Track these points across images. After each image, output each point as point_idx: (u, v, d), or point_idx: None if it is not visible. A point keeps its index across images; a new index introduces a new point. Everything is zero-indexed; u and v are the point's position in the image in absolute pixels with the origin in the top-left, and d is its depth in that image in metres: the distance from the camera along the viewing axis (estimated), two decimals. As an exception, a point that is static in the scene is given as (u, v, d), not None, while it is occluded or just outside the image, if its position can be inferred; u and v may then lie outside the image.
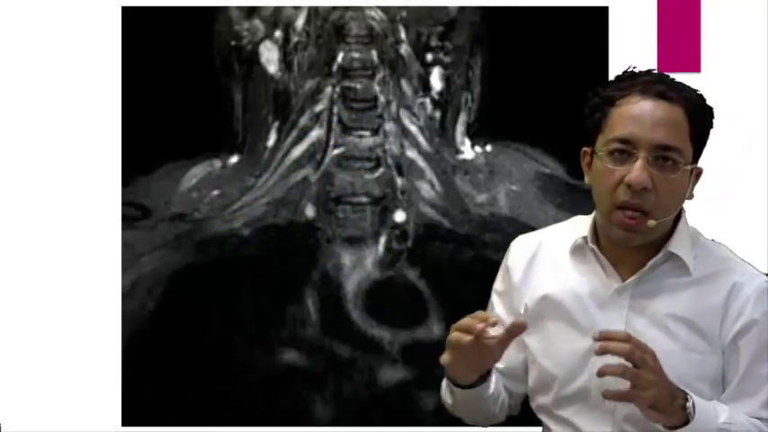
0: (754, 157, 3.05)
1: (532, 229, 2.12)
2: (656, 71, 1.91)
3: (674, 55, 3.03)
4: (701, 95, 1.89)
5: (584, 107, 1.92)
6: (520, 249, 2.04)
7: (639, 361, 1.71)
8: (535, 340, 1.98)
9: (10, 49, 3.06)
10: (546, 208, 3.07)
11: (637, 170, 1.82)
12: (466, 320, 1.81)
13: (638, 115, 1.84)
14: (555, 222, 2.10)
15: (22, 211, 3.05)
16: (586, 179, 1.93)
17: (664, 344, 1.85)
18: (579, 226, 1.99)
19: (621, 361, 1.72)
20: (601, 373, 1.73)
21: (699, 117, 1.87)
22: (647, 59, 2.94)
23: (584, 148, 1.93)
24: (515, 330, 1.79)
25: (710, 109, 1.90)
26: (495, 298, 2.08)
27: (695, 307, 1.88)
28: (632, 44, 2.99)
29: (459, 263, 3.08)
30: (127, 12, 3.07)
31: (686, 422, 1.76)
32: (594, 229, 1.94)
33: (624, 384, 1.73)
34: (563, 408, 1.95)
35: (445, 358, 1.85)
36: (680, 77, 1.92)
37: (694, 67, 3.03)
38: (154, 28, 3.07)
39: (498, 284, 2.07)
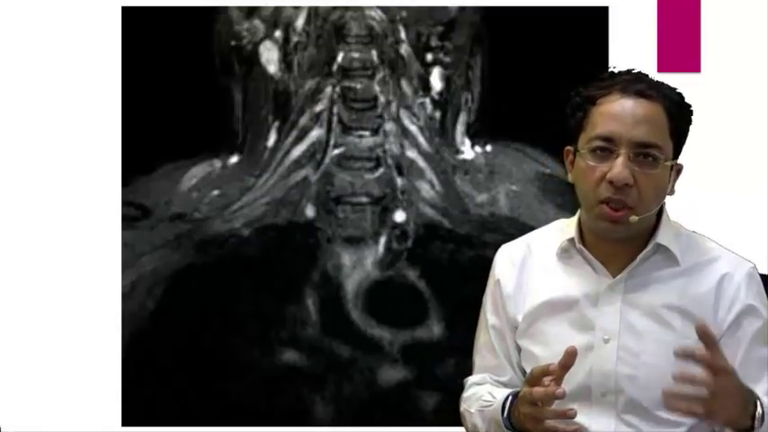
0: (754, 157, 3.05)
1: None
2: (635, 70, 1.94)
3: (674, 55, 3.03)
4: (679, 93, 1.93)
5: (566, 106, 1.96)
6: (507, 259, 2.05)
7: (719, 389, 1.70)
8: (536, 345, 1.98)
9: (10, 48, 3.06)
10: (546, 208, 3.07)
11: (618, 167, 1.85)
12: (539, 392, 1.77)
13: (619, 113, 1.88)
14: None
15: (23, 212, 3.05)
16: (570, 177, 1.97)
17: (658, 334, 1.89)
18: (563, 229, 2.01)
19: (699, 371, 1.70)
20: (670, 396, 1.71)
21: (678, 114, 1.90)
22: (647, 59, 2.94)
23: (567, 147, 1.97)
24: (569, 360, 1.77)
25: (689, 106, 1.93)
26: (490, 314, 2.05)
27: (686, 296, 1.90)
28: (632, 44, 2.99)
29: (459, 263, 3.08)
30: (127, 12, 3.08)
31: (751, 427, 1.76)
32: (580, 229, 1.97)
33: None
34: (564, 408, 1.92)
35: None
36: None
37: (694, 67, 3.03)
38: (154, 28, 3.07)
39: (489, 299, 2.06)
